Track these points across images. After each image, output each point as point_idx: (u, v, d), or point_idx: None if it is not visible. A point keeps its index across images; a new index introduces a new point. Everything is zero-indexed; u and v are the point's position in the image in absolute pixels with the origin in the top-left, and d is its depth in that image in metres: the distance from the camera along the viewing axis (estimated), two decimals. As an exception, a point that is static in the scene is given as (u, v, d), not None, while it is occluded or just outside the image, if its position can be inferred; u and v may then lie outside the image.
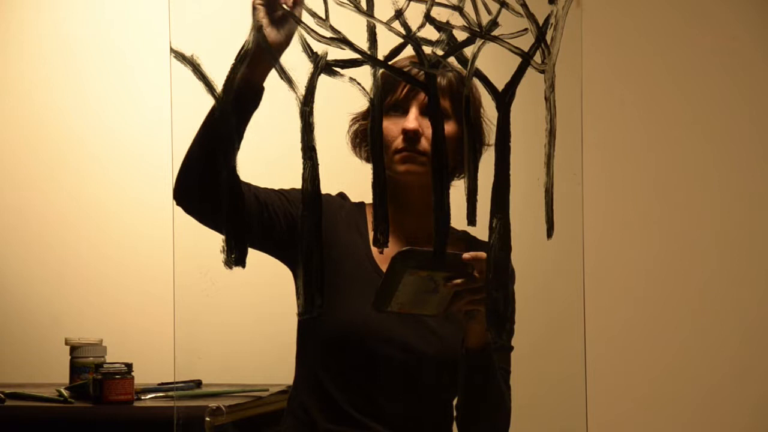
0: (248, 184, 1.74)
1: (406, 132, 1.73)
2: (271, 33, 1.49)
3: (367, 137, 1.70)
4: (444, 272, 1.55)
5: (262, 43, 1.49)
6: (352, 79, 1.60)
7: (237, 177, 1.49)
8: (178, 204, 1.69)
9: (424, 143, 1.73)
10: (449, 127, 1.73)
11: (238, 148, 1.53)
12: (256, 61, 1.50)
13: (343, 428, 1.76)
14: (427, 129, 1.71)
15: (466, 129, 1.52)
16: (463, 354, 1.70)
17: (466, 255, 1.55)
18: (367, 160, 1.80)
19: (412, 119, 1.73)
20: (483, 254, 1.52)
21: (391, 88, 1.75)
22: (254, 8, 1.49)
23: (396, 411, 1.76)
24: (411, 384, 1.77)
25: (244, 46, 1.49)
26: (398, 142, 1.75)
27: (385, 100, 1.75)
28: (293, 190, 1.80)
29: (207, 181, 1.54)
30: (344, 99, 1.72)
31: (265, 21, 1.49)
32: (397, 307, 1.56)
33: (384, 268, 1.74)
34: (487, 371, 1.72)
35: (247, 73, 1.51)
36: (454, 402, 1.82)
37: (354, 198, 1.93)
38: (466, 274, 1.56)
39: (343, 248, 1.80)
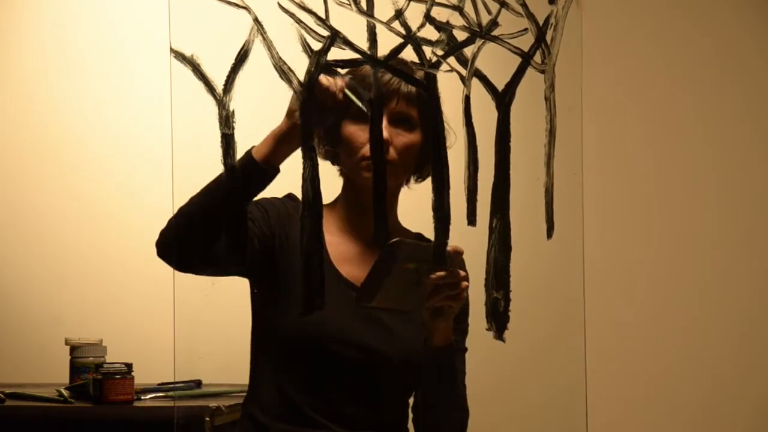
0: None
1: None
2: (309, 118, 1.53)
3: (328, 137, 1.75)
4: (428, 265, 1.54)
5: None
6: (350, 80, 1.60)
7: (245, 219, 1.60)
8: (170, 262, 1.70)
9: (392, 153, 1.72)
10: (414, 136, 1.74)
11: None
12: (286, 140, 1.61)
13: (300, 428, 1.74)
14: (395, 138, 1.72)
15: (466, 130, 1.52)
16: (428, 353, 1.69)
17: (449, 248, 1.54)
18: (324, 158, 1.78)
19: (383, 128, 1.66)
20: (462, 248, 1.53)
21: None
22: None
23: (354, 411, 1.75)
24: (369, 385, 1.76)
25: (243, 46, 1.49)
26: (365, 150, 1.71)
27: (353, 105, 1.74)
28: (268, 200, 1.80)
29: (208, 245, 1.63)
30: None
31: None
32: (380, 301, 1.54)
33: (340, 269, 1.75)
34: (449, 370, 1.71)
35: (270, 154, 1.61)
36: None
37: None
38: (446, 268, 1.56)
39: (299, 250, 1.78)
